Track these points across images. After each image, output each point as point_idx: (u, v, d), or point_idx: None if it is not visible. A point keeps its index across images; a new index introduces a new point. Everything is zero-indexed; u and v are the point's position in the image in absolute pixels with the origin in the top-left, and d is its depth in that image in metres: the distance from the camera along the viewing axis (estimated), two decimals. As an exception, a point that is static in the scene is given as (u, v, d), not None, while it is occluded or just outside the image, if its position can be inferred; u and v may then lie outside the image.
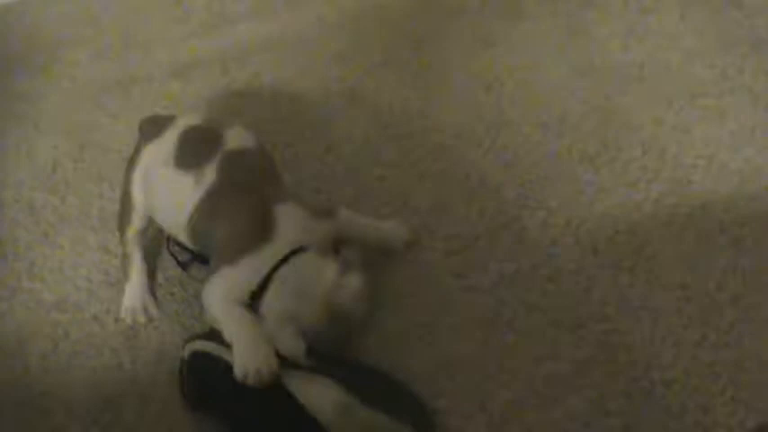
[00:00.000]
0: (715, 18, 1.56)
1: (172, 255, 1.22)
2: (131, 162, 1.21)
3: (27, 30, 1.68)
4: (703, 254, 1.22)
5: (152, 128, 1.22)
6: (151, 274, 1.24)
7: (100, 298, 1.23)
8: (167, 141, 1.18)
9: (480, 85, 1.48)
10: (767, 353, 1.12)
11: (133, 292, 1.21)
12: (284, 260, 1.08)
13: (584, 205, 1.29)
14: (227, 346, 1.04)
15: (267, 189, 1.14)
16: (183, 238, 1.17)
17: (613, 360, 1.12)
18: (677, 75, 1.47)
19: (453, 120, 1.43)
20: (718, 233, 1.24)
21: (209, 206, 1.12)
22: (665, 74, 1.47)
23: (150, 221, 1.21)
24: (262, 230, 1.09)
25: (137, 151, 1.21)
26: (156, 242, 1.26)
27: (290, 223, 1.10)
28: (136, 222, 1.21)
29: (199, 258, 1.20)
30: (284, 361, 1.03)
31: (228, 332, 1.05)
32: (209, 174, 1.13)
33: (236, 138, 1.18)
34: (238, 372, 1.01)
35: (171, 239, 1.22)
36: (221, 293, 1.08)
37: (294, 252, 1.08)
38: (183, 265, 1.22)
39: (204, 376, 1.07)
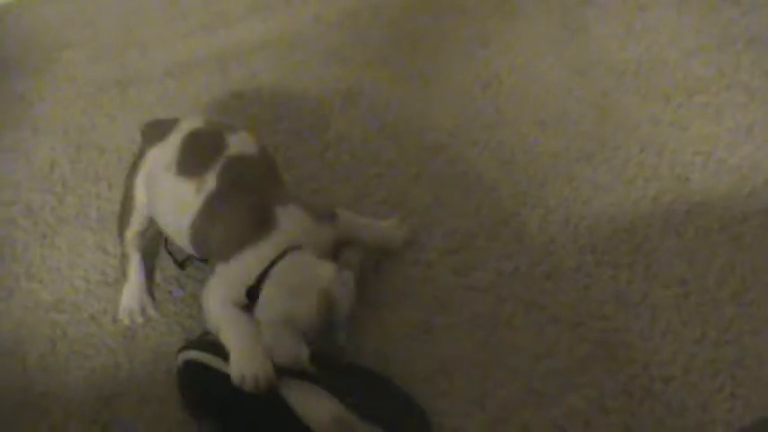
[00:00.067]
0: (712, 16, 1.56)
1: (169, 253, 1.22)
2: (134, 166, 1.21)
3: (24, 31, 1.67)
4: (702, 251, 1.22)
5: (155, 132, 1.21)
6: (149, 274, 1.24)
7: (98, 298, 1.23)
8: (171, 146, 1.17)
9: (478, 84, 1.48)
10: (766, 350, 1.12)
11: (131, 292, 1.21)
12: (281, 257, 1.07)
13: (582, 203, 1.29)
14: (221, 354, 1.04)
15: (268, 191, 1.14)
16: (185, 243, 1.16)
17: (612, 357, 1.12)
18: (674, 72, 1.47)
19: (451, 118, 1.43)
20: (716, 230, 1.24)
21: (210, 211, 1.12)
22: (663, 71, 1.47)
23: (150, 223, 1.21)
24: (260, 228, 1.09)
25: (140, 155, 1.21)
26: (154, 243, 1.26)
27: (290, 223, 1.10)
28: (136, 225, 1.21)
29: (195, 257, 1.19)
30: (284, 371, 1.02)
31: (226, 336, 1.05)
32: (211, 181, 1.13)
33: (239, 143, 1.17)
34: (235, 377, 1.01)
35: (169, 239, 1.22)
36: (220, 294, 1.08)
37: (290, 250, 1.08)
38: (180, 264, 1.22)
39: (199, 385, 1.07)
